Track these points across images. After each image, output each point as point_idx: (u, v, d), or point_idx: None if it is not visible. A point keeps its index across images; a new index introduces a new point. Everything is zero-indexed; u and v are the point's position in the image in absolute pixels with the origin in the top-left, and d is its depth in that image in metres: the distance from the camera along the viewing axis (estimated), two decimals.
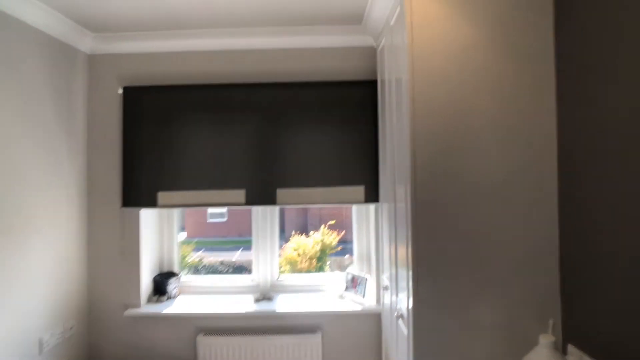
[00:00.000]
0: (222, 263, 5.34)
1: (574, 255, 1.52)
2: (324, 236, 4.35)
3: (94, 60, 2.50)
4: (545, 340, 1.36)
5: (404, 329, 1.72)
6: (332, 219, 4.61)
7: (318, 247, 4.18)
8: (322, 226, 4.53)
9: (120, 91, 2.44)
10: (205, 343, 2.33)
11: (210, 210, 8.04)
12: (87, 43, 2.42)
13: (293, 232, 4.49)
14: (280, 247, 2.86)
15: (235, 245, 7.09)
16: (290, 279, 2.70)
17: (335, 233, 4.41)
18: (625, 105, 1.23)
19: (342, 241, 4.36)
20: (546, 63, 1.59)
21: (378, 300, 2.40)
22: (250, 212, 2.65)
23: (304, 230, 5.30)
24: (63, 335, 2.22)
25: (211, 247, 7.55)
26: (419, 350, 1.59)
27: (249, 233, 2.65)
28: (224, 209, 7.92)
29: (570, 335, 1.55)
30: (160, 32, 2.39)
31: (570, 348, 1.53)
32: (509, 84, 1.59)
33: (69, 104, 2.32)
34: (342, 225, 4.50)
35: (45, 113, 2.12)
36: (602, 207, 1.35)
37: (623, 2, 1.23)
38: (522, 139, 1.59)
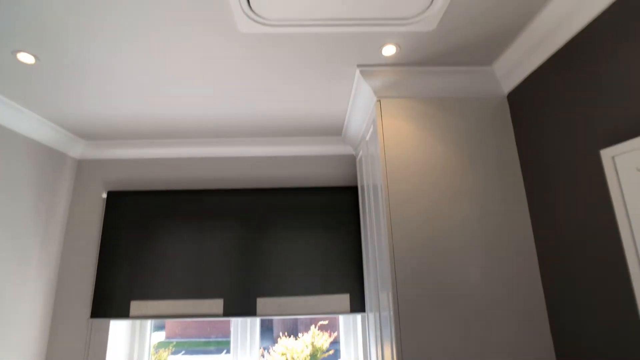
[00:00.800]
0: None
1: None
2: (315, 338, 4.03)
3: (82, 165, 2.56)
4: None
5: None
6: (324, 319, 4.33)
7: (308, 351, 3.85)
8: (313, 327, 4.22)
9: (105, 195, 2.46)
10: None
11: None
12: (78, 149, 2.51)
13: (281, 334, 4.17)
14: (267, 350, 2.62)
15: (218, 347, 6.51)
16: None
17: (327, 334, 4.10)
18: (574, 202, 1.26)
19: (334, 342, 4.04)
20: (513, 170, 1.67)
21: None
22: None
23: (294, 330, 4.93)
24: None
25: (192, 347, 6.92)
26: None
27: (229, 333, 2.45)
28: None
29: None
30: (147, 140, 2.51)
31: None
32: (481, 191, 1.64)
33: (50, 208, 2.30)
34: (335, 325, 4.22)
35: (22, 216, 2.09)
36: (588, 303, 1.29)
37: (562, 127, 1.35)
38: (500, 245, 1.58)
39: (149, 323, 2.53)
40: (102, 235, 2.39)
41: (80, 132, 2.37)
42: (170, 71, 1.66)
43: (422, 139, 1.68)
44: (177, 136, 2.46)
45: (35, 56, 1.52)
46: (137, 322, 2.50)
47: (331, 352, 4.00)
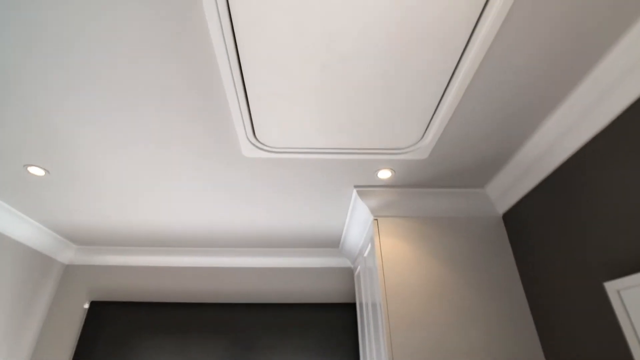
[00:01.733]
0: None
1: None
2: None
3: (69, 271, 2.47)
4: None
5: None
6: None
7: None
8: None
9: (87, 306, 2.31)
10: None
11: None
12: (68, 254, 2.45)
13: None
14: None
15: None
16: None
17: None
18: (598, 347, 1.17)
19: None
20: (516, 293, 1.60)
21: None
22: None
23: None
24: None
25: None
26: None
27: None
28: None
29: None
30: (139, 247, 2.47)
31: None
32: (484, 314, 1.55)
33: (27, 309, 2.14)
34: None
35: None
36: None
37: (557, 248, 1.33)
38: None
39: None
40: (77, 348, 2.18)
41: (74, 237, 2.34)
42: (175, 186, 1.71)
43: (420, 258, 1.65)
44: (171, 244, 2.43)
45: (45, 169, 1.58)
46: None
47: None
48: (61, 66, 1.06)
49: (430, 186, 1.74)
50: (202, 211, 1.96)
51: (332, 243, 2.41)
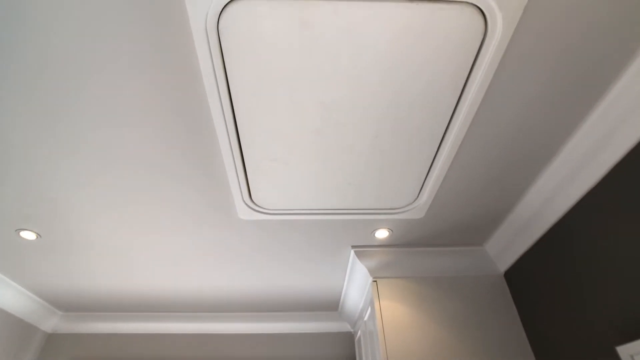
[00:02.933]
0: None
1: None
2: None
3: (51, 340, 2.33)
4: None
5: None
6: None
7: None
8: None
9: None
10: None
11: None
12: (52, 322, 2.32)
13: None
14: None
15: None
16: None
17: None
18: None
19: None
20: (525, 353, 1.51)
21: None
22: None
23: None
24: None
25: None
26: None
27: None
28: None
29: None
30: (127, 312, 2.35)
31: None
32: None
33: None
34: None
35: None
36: None
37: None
38: None
39: None
40: None
41: (60, 303, 2.24)
42: (168, 249, 1.68)
43: (421, 321, 1.58)
44: (163, 310, 2.32)
45: (37, 233, 1.56)
46: None
47: None
48: (52, 133, 1.08)
49: (429, 245, 1.72)
50: (196, 275, 1.90)
51: (331, 306, 2.31)
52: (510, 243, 1.63)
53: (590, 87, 1.01)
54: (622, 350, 1.10)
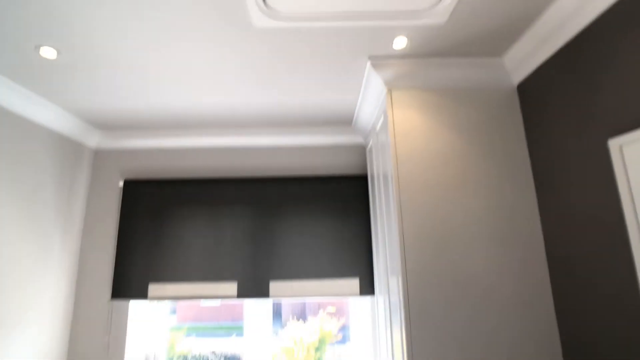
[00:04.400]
0: (213, 353, 4.99)
1: (570, 344, 1.46)
2: (323, 324, 4.14)
3: (98, 155, 2.64)
4: None
5: None
6: (332, 306, 4.45)
7: (316, 337, 3.95)
8: (321, 311, 4.34)
9: (121, 184, 2.54)
10: None
11: None
12: (94, 140, 2.59)
13: (290, 318, 4.28)
14: (276, 334, 2.71)
15: (227, 331, 6.71)
16: None
17: (335, 320, 4.20)
18: (594, 202, 1.30)
19: (341, 328, 4.13)
20: (522, 161, 1.70)
21: None
22: None
23: (302, 316, 5.04)
24: None
25: (203, 332, 7.12)
26: None
27: (242, 317, 2.55)
28: None
29: None
30: (161, 130, 2.58)
31: None
32: (490, 181, 1.68)
33: (69, 196, 2.39)
34: (342, 310, 4.32)
35: (45, 205, 2.19)
36: (594, 294, 1.34)
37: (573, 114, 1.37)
38: (508, 238, 1.63)
39: (165, 307, 2.63)
40: (119, 222, 2.49)
41: (96, 122, 2.44)
42: (186, 64, 1.70)
43: (432, 129, 1.71)
44: (190, 127, 2.52)
45: (57, 50, 1.58)
46: (155, 304, 2.61)
47: (339, 337, 4.11)
48: None
49: (447, 55, 1.70)
50: (215, 91, 1.98)
51: (346, 120, 2.46)
52: (528, 54, 1.61)
53: None
54: (613, 142, 1.22)
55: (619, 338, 1.23)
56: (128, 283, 2.38)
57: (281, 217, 2.45)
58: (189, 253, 2.41)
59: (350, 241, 2.40)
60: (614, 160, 1.22)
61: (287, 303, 7.10)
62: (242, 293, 2.34)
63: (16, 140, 1.99)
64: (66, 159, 2.37)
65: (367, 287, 2.33)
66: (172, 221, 2.46)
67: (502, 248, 1.62)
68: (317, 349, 3.86)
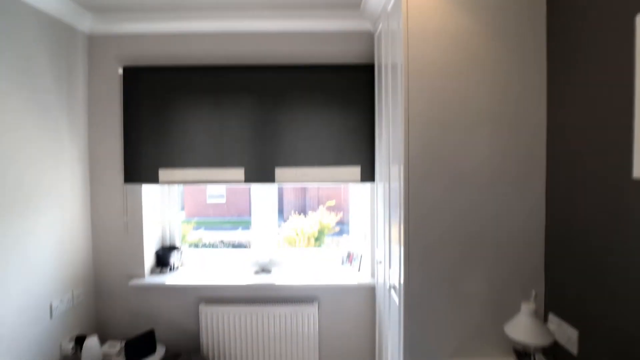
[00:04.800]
0: (221, 241, 5.45)
1: (559, 233, 1.61)
2: (322, 217, 4.44)
3: (93, 41, 2.51)
4: (527, 308, 1.46)
5: (396, 299, 1.83)
6: (331, 201, 4.71)
7: (316, 228, 4.27)
8: (321, 206, 4.62)
9: (121, 71, 2.47)
10: (207, 311, 2.46)
11: (210, 191, 8.13)
12: (86, 23, 2.43)
13: (292, 213, 4.57)
14: (279, 226, 2.93)
15: (233, 225, 7.20)
16: (289, 253, 2.81)
17: (333, 214, 4.49)
18: (608, 85, 1.30)
19: (339, 223, 4.45)
20: (538, 48, 1.65)
21: (372, 274, 2.51)
22: (248, 192, 2.71)
23: (303, 211, 5.38)
24: (72, 301, 2.33)
25: (210, 226, 7.66)
26: (410, 318, 1.70)
27: (247, 213, 2.73)
28: (223, 190, 8.00)
29: (551, 304, 1.66)
30: (159, 13, 2.40)
31: (551, 316, 1.64)
32: (501, 70, 1.65)
33: (69, 84, 2.35)
34: (340, 206, 4.59)
35: (47, 92, 2.16)
36: (585, 189, 1.44)
37: None
38: (513, 125, 1.67)
39: (176, 197, 2.78)
40: (123, 110, 2.48)
41: (86, 3, 2.26)
42: None
43: (447, 10, 1.63)
44: (189, 8, 2.34)
45: None
46: (166, 195, 2.77)
47: (337, 229, 4.45)
48: None
49: None
50: None
51: (354, 3, 2.29)
52: None
53: None
54: None
55: (609, 211, 1.35)
56: (139, 168, 2.48)
57: (285, 105, 2.44)
58: (196, 140, 2.46)
59: (353, 131, 2.43)
60: (637, 38, 1.17)
61: (288, 200, 7.50)
62: (249, 178, 2.46)
63: (11, 25, 1.88)
64: (59, 45, 2.26)
65: (368, 175, 2.44)
66: (177, 109, 2.45)
67: (504, 133, 1.66)
68: (317, 239, 4.21)
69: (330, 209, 4.53)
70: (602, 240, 1.34)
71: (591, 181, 1.40)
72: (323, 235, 4.37)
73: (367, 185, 2.55)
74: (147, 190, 2.59)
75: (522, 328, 1.45)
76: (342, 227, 4.30)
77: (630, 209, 1.21)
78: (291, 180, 2.46)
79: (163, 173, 2.47)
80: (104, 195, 2.55)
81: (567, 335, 1.52)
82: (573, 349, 1.49)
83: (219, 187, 7.66)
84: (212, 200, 8.70)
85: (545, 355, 1.63)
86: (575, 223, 1.50)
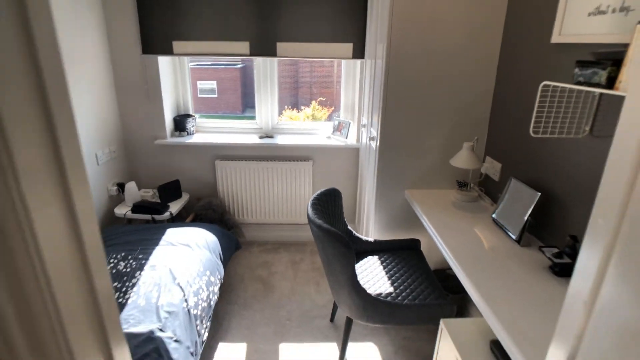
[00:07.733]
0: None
1: (500, 96, 2.08)
2: (314, 111, 4.84)
3: None
4: (467, 145, 2.00)
5: (374, 146, 2.36)
6: (323, 96, 5.03)
7: (309, 121, 4.69)
8: (313, 102, 4.98)
9: None
10: (222, 166, 3.01)
11: (200, 85, 8.26)
12: None
13: (285, 107, 4.92)
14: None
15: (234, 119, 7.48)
16: (288, 123, 3.28)
17: (325, 109, 4.87)
18: None
19: (330, 117, 4.84)
20: None
21: (358, 139, 3.03)
22: (239, 87, 3.01)
23: (295, 106, 5.72)
24: (110, 155, 2.83)
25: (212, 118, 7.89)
26: (382, 160, 2.26)
27: (239, 110, 3.08)
28: (214, 84, 8.14)
29: (488, 150, 2.22)
30: None
31: (487, 158, 2.20)
32: None
33: None
34: (332, 102, 4.95)
35: None
36: (522, 53, 1.87)
37: None
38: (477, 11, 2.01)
39: (187, 69, 3.10)
40: None
41: None
42: None
43: None
44: None
45: None
46: (178, 69, 3.08)
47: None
48: None
49: None
50: None
51: None
52: None
53: None
54: None
55: (530, 81, 1.79)
56: (154, 40, 2.75)
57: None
58: (205, 13, 2.69)
59: (347, 10, 2.69)
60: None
61: (282, 96, 7.75)
62: (254, 52, 2.78)
63: None
64: None
65: (359, 52, 2.78)
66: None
67: (470, 19, 2.01)
68: None
69: (321, 103, 4.89)
70: (524, 97, 1.82)
71: (524, 46, 1.82)
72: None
73: (358, 62, 2.91)
74: (162, 63, 2.90)
75: (462, 159, 2.01)
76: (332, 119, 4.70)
77: (547, 66, 1.66)
78: (291, 54, 2.79)
79: (177, 45, 2.77)
80: (125, 65, 2.85)
81: (494, 168, 2.10)
82: (496, 177, 2.09)
83: (210, 82, 7.80)
84: (204, 95, 8.83)
85: (479, 186, 2.24)
86: (511, 86, 1.96)
